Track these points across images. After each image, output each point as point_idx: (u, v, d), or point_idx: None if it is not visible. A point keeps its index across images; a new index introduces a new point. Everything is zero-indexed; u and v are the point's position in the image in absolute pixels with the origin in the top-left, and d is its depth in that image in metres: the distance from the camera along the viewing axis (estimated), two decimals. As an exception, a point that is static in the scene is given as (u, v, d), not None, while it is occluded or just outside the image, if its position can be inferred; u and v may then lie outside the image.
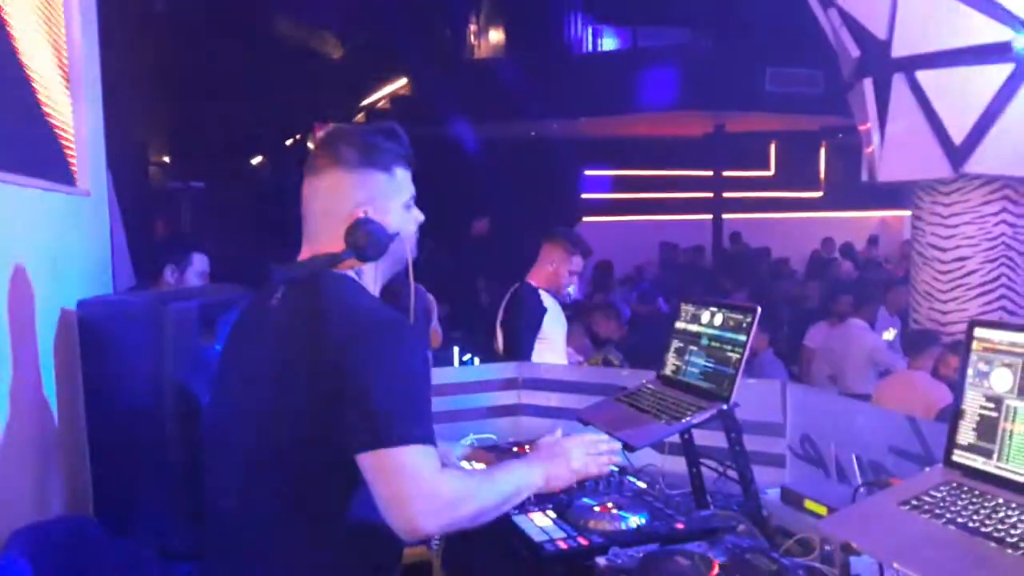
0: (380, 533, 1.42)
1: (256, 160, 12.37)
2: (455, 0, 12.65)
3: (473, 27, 13.30)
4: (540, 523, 1.85)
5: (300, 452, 1.47)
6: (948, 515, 1.39)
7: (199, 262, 3.34)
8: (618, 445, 1.88)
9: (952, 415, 1.55)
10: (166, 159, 11.41)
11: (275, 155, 12.38)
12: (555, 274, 3.90)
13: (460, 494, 1.47)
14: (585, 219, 12.43)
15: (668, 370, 2.21)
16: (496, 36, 13.17)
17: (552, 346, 3.85)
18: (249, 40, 9.78)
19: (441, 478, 1.44)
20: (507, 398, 2.95)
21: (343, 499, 1.47)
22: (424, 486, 1.40)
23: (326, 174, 1.60)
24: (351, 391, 1.41)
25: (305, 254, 1.62)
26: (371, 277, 1.63)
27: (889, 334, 6.64)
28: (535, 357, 3.68)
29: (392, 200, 1.63)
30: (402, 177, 1.66)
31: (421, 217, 1.71)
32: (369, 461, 1.40)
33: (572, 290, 4.08)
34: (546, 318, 3.84)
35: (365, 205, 1.59)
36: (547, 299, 3.91)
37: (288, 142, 12.68)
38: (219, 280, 3.26)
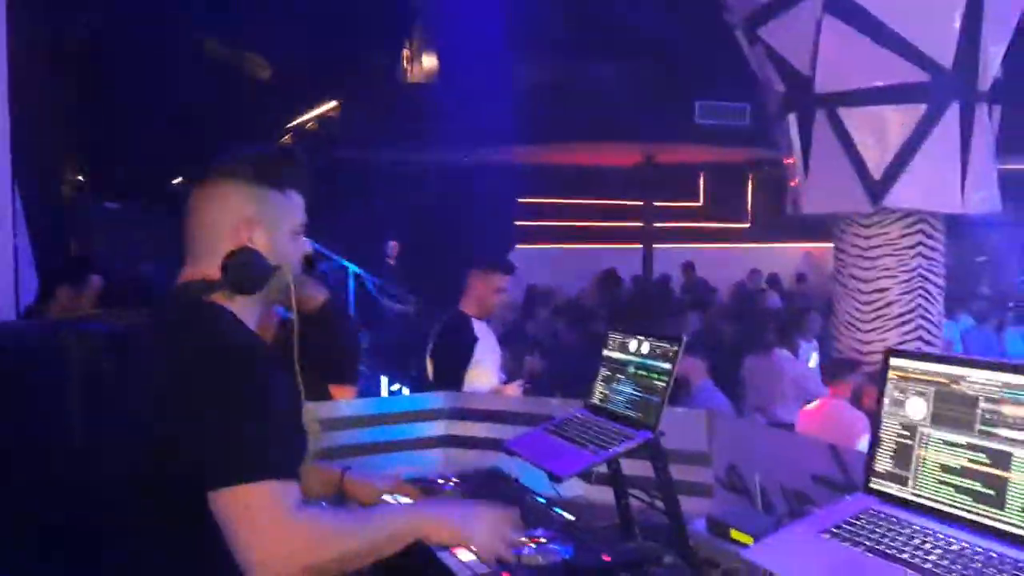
0: None
1: (176, 181, 12.09)
2: (388, 23, 12.64)
3: (406, 52, 13.30)
4: (463, 557, 1.80)
5: (156, 491, 1.39)
6: (867, 542, 1.40)
7: (97, 284, 3.21)
8: (526, 541, 1.80)
9: (870, 443, 1.57)
10: (80, 178, 11.05)
11: (197, 176, 12.12)
12: (481, 297, 3.90)
13: (319, 535, 1.36)
14: (519, 246, 12.46)
15: (596, 399, 2.20)
16: (429, 61, 13.19)
17: (485, 372, 3.83)
18: (173, 58, 9.58)
19: (297, 517, 1.33)
20: (434, 428, 2.89)
21: (207, 540, 1.36)
22: (275, 526, 1.30)
23: (215, 185, 1.55)
24: (195, 426, 1.34)
25: (187, 273, 1.55)
26: (246, 304, 1.54)
27: (812, 361, 6.80)
28: (468, 384, 3.65)
29: (281, 221, 1.57)
30: (296, 201, 1.60)
31: (309, 248, 1.65)
32: (217, 500, 1.31)
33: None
34: (478, 346, 3.81)
35: (253, 221, 1.52)
36: (479, 326, 3.88)
37: (211, 164, 12.43)
38: (131, 303, 3.13)
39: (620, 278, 12.05)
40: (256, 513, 1.30)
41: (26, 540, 1.86)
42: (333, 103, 12.35)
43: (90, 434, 1.89)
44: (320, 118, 12.76)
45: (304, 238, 1.63)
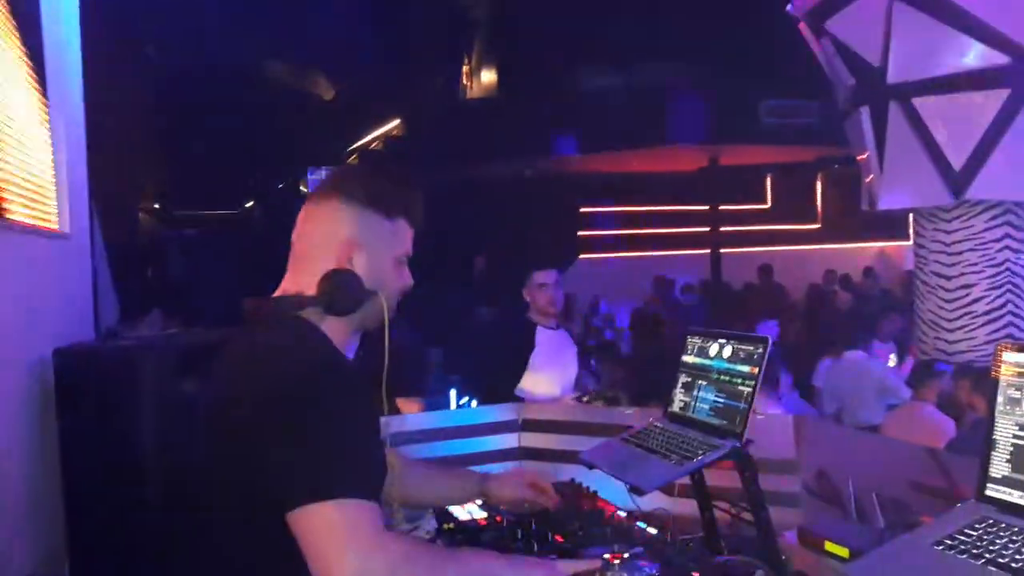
0: None
1: (248, 204, 12.38)
2: (447, 41, 12.75)
3: (466, 68, 13.39)
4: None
5: (241, 509, 1.38)
6: (988, 555, 1.28)
7: (155, 319, 3.27)
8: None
9: (983, 446, 1.45)
10: (156, 206, 11.41)
11: (267, 199, 12.40)
12: (535, 301, 3.86)
13: (402, 559, 1.31)
14: (583, 256, 12.39)
15: (676, 407, 2.11)
16: (488, 76, 13.25)
17: (541, 381, 3.77)
18: (240, 83, 9.82)
19: (380, 538, 1.30)
20: (507, 441, 2.84)
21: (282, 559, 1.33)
22: (358, 545, 1.26)
23: (326, 203, 1.55)
24: (281, 442, 1.31)
25: (285, 284, 1.55)
26: (338, 324, 1.52)
27: (891, 362, 6.56)
28: (521, 390, 3.62)
29: (386, 248, 1.56)
30: (402, 229, 1.59)
31: (410, 282, 1.63)
32: (299, 518, 1.28)
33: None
34: (536, 353, 3.78)
35: (358, 243, 1.52)
36: (544, 334, 3.83)
37: (280, 185, 12.70)
38: (210, 323, 3.18)
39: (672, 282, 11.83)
40: (339, 533, 1.27)
41: (106, 554, 1.87)
42: (396, 122, 12.51)
43: (169, 453, 1.89)
44: (384, 137, 12.94)
45: (407, 270, 1.62)
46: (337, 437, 1.34)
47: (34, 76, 2.43)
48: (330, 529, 1.27)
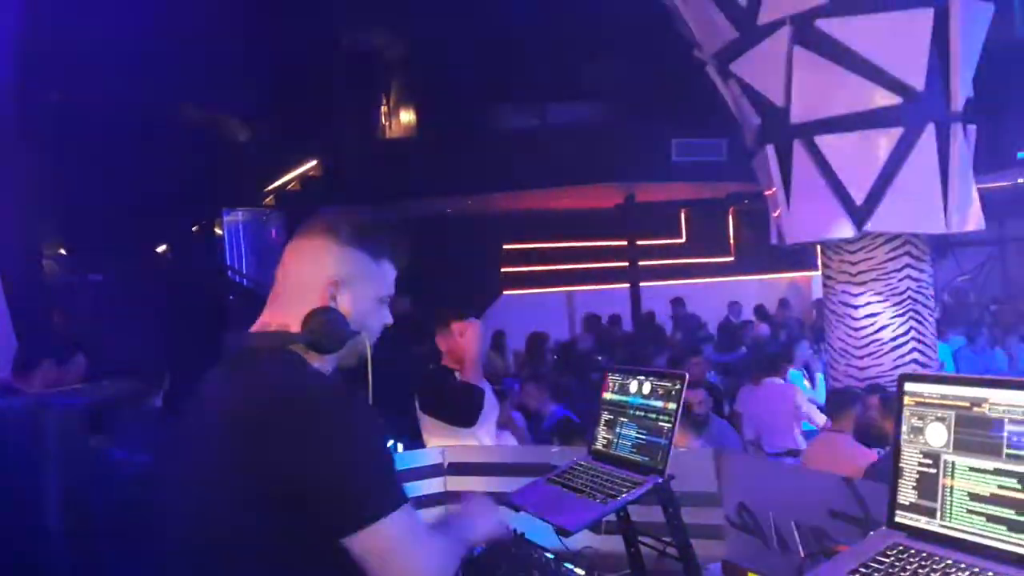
0: None
1: (161, 248, 12.04)
2: (365, 81, 12.75)
3: (384, 108, 13.40)
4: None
5: (263, 545, 1.37)
6: (899, 582, 1.32)
7: (80, 363, 3.13)
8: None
9: (891, 474, 1.50)
10: (62, 251, 10.98)
11: (180, 243, 12.09)
12: (449, 351, 3.70)
13: (450, 547, 1.48)
14: (506, 292, 12.44)
15: (599, 444, 2.12)
16: (407, 116, 13.29)
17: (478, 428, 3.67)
18: (151, 125, 9.59)
19: (432, 534, 1.45)
20: (433, 486, 2.80)
21: None
22: (422, 546, 1.39)
23: (313, 240, 1.57)
24: (318, 478, 1.34)
25: (265, 319, 1.55)
26: (320, 361, 1.53)
27: (803, 388, 6.77)
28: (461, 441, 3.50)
29: (369, 288, 1.59)
30: (387, 271, 1.62)
31: (390, 321, 1.65)
32: (359, 541, 1.34)
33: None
34: None
35: (342, 282, 1.54)
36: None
37: (194, 229, 12.40)
38: (119, 374, 3.05)
39: (613, 318, 12.02)
40: (402, 541, 1.36)
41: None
42: (313, 162, 12.39)
43: (79, 513, 1.80)
44: (301, 177, 12.79)
45: (387, 310, 1.64)
46: (368, 457, 1.39)
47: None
48: (394, 541, 1.35)
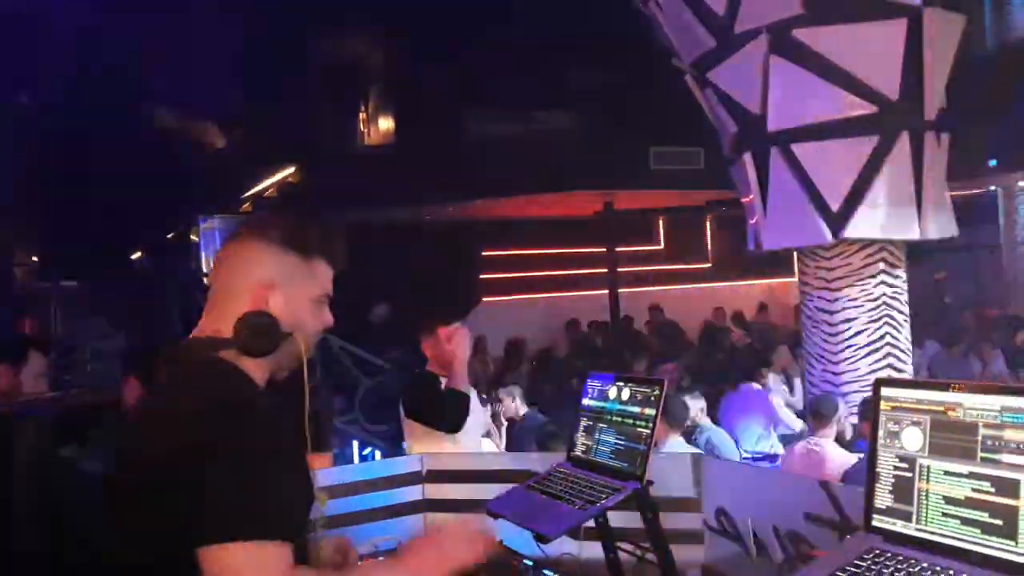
0: None
1: (136, 255, 11.91)
2: (344, 88, 12.71)
3: (363, 115, 13.36)
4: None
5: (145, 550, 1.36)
6: (876, 586, 1.33)
7: (36, 362, 3.08)
8: (491, 527, 1.78)
9: (867, 478, 1.51)
10: (35, 259, 10.84)
11: (156, 250, 11.99)
12: (435, 357, 3.70)
13: None
14: (485, 299, 12.44)
15: (579, 450, 2.12)
16: (386, 124, 13.26)
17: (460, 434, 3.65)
18: (127, 132, 9.51)
19: None
20: (411, 494, 2.79)
21: None
22: None
23: (243, 244, 1.56)
24: (194, 480, 1.30)
25: (201, 325, 1.54)
26: (256, 365, 1.51)
27: (778, 399, 6.81)
28: (434, 449, 3.48)
29: (302, 289, 1.56)
30: (320, 271, 1.59)
31: (330, 321, 1.63)
32: (206, 556, 1.28)
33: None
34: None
35: (273, 284, 1.52)
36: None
37: (170, 236, 12.30)
38: (91, 382, 3.01)
39: (593, 325, 12.05)
40: (245, 573, 1.28)
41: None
42: (291, 169, 12.33)
43: (53, 525, 1.77)
44: (279, 185, 12.72)
45: (327, 310, 1.61)
46: (249, 478, 1.33)
47: None
48: (236, 570, 1.28)
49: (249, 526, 1.30)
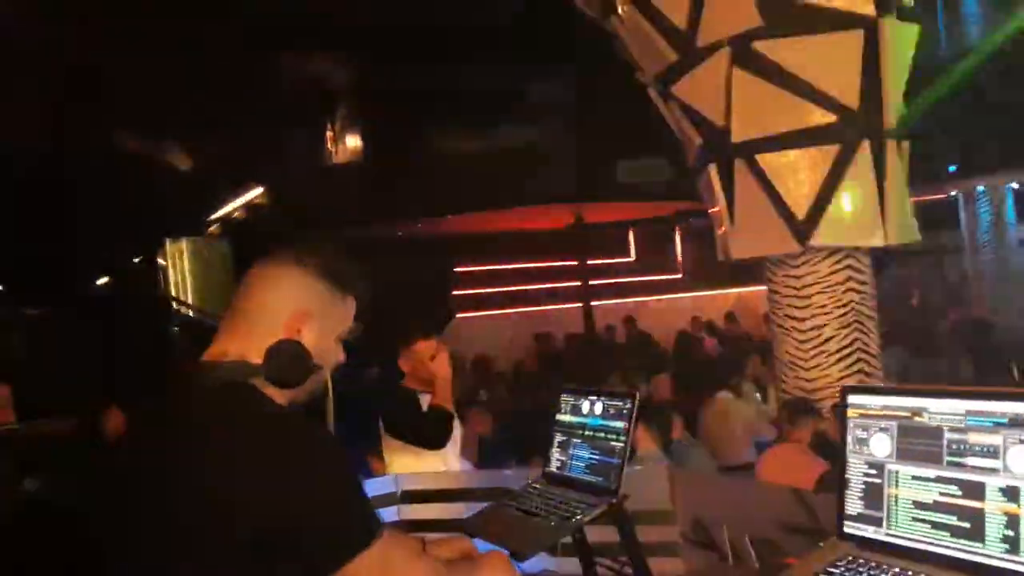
0: None
1: (102, 281, 11.74)
2: (309, 107, 12.68)
3: (330, 133, 13.33)
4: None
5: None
6: (849, 592, 1.34)
7: (4, 393, 3.02)
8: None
9: (838, 485, 1.53)
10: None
11: (122, 274, 11.83)
12: (412, 372, 3.71)
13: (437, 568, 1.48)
14: (460, 315, 12.42)
15: (553, 466, 2.12)
16: (353, 141, 13.24)
17: (430, 458, 3.62)
18: (87, 155, 9.39)
19: (419, 553, 1.47)
20: (386, 516, 2.76)
21: None
22: (412, 565, 1.42)
23: (280, 267, 1.52)
24: (295, 518, 1.28)
25: (223, 346, 1.47)
26: (278, 396, 1.47)
27: (754, 401, 6.88)
28: (417, 466, 3.47)
29: (333, 323, 1.55)
30: (350, 307, 1.59)
31: (343, 358, 1.62)
32: (353, 568, 1.32)
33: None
34: None
35: (309, 315, 1.49)
36: (425, 399, 3.73)
37: (136, 260, 12.15)
38: (56, 412, 2.95)
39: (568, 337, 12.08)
40: (394, 562, 1.38)
41: None
42: (259, 190, 12.26)
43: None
44: (248, 205, 12.64)
45: (340, 346, 1.60)
46: (343, 491, 1.36)
47: None
48: (387, 562, 1.36)
49: (368, 529, 1.35)
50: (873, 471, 1.46)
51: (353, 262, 1.60)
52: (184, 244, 11.53)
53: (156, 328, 9.79)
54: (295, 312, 1.48)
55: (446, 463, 3.55)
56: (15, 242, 9.09)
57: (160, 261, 11.71)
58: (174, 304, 11.28)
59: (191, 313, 11.16)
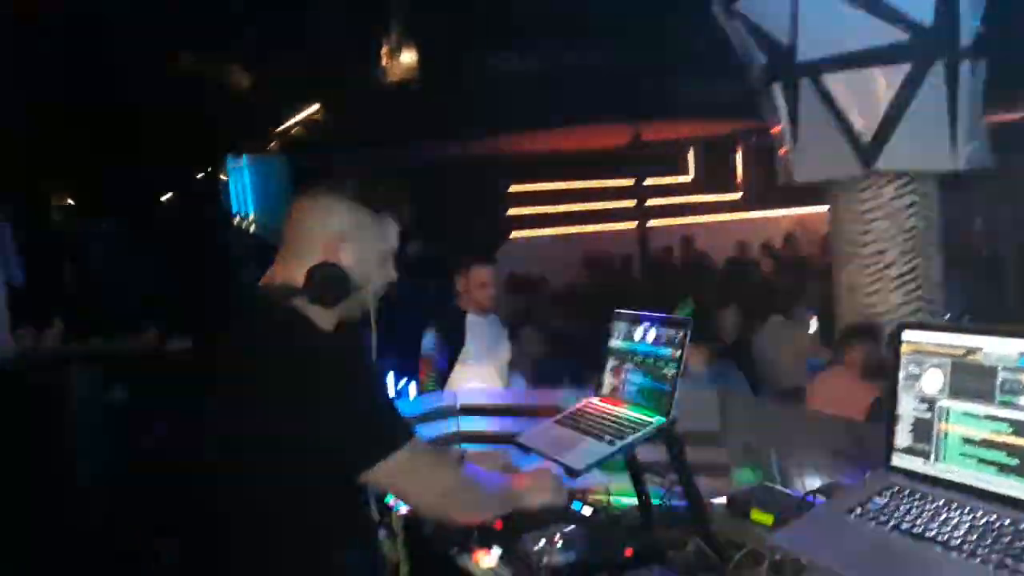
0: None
1: (166, 196, 12.04)
2: (365, 22, 12.54)
3: (385, 49, 13.20)
4: (485, 564, 1.79)
5: (285, 489, 1.49)
6: (893, 521, 1.39)
7: (58, 327, 3.18)
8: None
9: (888, 418, 1.55)
10: (71, 201, 11.00)
11: (186, 190, 12.11)
12: (470, 295, 3.85)
13: (465, 479, 1.67)
14: (514, 235, 12.46)
15: (606, 389, 2.18)
16: (409, 57, 13.09)
17: (466, 375, 3.73)
18: (151, 75, 9.51)
19: (445, 461, 1.64)
20: (445, 427, 2.88)
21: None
22: (434, 472, 1.56)
23: (318, 196, 1.64)
24: (328, 424, 1.46)
25: (273, 274, 1.63)
26: (323, 313, 1.60)
27: (811, 327, 6.82)
28: (451, 386, 3.60)
29: (372, 243, 1.65)
30: (389, 228, 1.69)
31: (395, 276, 1.72)
32: (378, 472, 1.49)
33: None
34: (468, 342, 3.76)
35: (344, 238, 1.61)
36: (476, 323, 3.82)
37: (199, 176, 12.39)
38: (135, 327, 3.11)
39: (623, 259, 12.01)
40: (420, 469, 1.53)
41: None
42: (316, 106, 12.30)
43: (104, 472, 1.87)
44: (305, 122, 12.71)
45: (392, 264, 1.72)
46: (372, 400, 1.53)
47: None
48: (409, 468, 1.51)
49: (399, 434, 1.50)
50: (924, 406, 1.48)
51: (388, 185, 1.69)
52: (245, 161, 11.71)
53: (219, 243, 10.07)
54: (330, 236, 1.60)
55: (490, 380, 3.71)
56: (87, 159, 9.36)
57: (222, 177, 11.94)
58: (235, 219, 11.56)
59: (251, 228, 11.43)
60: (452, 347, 3.79)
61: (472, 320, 3.84)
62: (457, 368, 3.72)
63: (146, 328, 2.80)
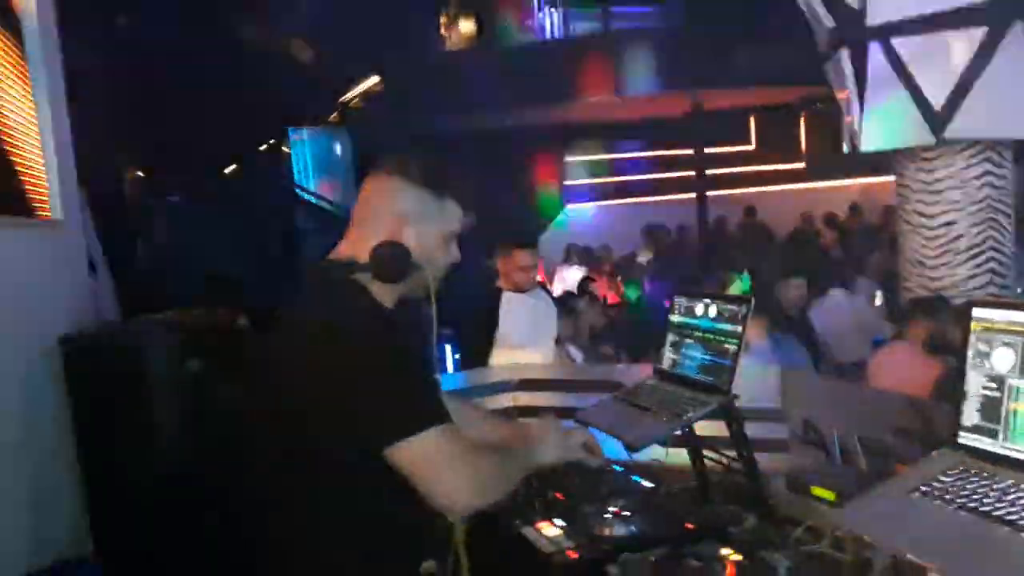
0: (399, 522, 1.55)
1: (230, 169, 12.27)
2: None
3: (444, 18, 13.19)
4: (548, 533, 1.82)
5: (324, 456, 1.54)
6: (959, 500, 1.37)
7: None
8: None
9: (955, 396, 1.53)
10: (140, 173, 11.30)
11: (249, 162, 12.32)
12: (508, 275, 3.84)
13: (489, 468, 1.59)
14: (570, 206, 12.41)
15: (665, 364, 2.18)
16: (467, 27, 13.06)
17: (506, 351, 3.71)
18: (216, 47, 9.67)
19: (472, 454, 1.55)
20: (502, 401, 2.92)
21: (366, 495, 1.55)
22: (456, 464, 1.51)
23: (385, 177, 1.70)
24: (360, 396, 1.50)
25: (341, 248, 1.70)
26: (385, 289, 1.67)
27: (876, 300, 6.68)
28: (498, 357, 3.61)
29: (435, 225, 1.71)
30: (452, 210, 1.74)
31: (458, 257, 1.78)
32: (398, 453, 1.48)
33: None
34: (502, 323, 3.75)
35: (409, 218, 1.67)
36: (515, 300, 3.79)
37: (262, 148, 12.60)
38: (197, 300, 3.20)
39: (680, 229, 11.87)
40: (439, 458, 1.50)
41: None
42: (376, 79, 12.37)
43: (184, 433, 1.95)
44: (365, 94, 12.80)
45: (455, 246, 1.77)
46: (406, 378, 1.54)
47: (15, 50, 2.41)
48: (435, 457, 1.50)
49: (426, 417, 1.50)
50: (993, 384, 1.46)
51: (451, 169, 1.75)
52: (306, 132, 11.87)
53: (283, 213, 10.26)
54: (396, 216, 1.66)
55: (535, 355, 3.72)
56: (153, 131, 9.58)
57: (284, 149, 12.13)
58: (297, 190, 11.74)
59: (313, 198, 11.60)
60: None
61: (509, 297, 3.81)
62: (493, 352, 3.68)
63: (215, 302, 2.88)
